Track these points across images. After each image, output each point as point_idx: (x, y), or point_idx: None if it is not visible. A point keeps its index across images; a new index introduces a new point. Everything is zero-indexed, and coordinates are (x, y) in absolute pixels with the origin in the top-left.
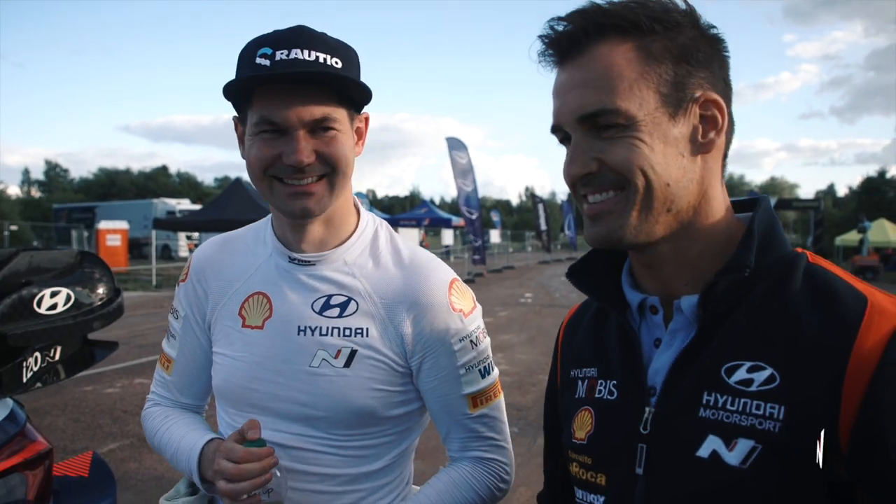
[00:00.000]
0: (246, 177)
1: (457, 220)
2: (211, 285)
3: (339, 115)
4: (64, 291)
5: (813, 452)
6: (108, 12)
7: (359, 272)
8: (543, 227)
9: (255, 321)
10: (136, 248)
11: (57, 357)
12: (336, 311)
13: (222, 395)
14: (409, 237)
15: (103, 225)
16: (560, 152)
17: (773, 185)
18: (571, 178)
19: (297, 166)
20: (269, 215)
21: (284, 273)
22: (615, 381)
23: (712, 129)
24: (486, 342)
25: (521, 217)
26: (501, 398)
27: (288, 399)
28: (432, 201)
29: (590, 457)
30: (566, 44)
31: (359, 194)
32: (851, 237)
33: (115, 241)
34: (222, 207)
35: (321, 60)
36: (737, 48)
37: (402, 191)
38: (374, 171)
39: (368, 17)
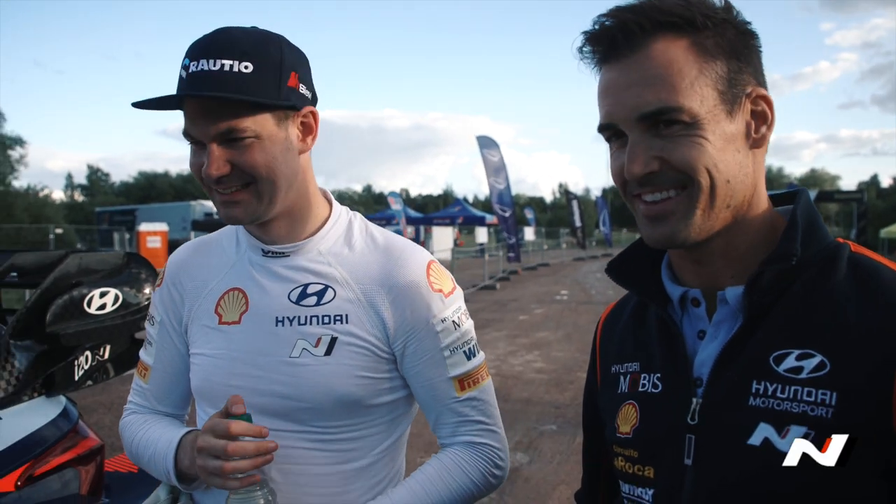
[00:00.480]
0: None
1: (490, 218)
2: (186, 287)
3: (252, 122)
4: (112, 292)
5: (868, 438)
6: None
7: (334, 260)
8: (578, 223)
9: (232, 317)
10: (175, 249)
11: (106, 356)
12: (313, 299)
13: (202, 395)
14: (443, 235)
15: (144, 227)
16: (594, 148)
17: (813, 177)
18: (632, 177)
19: (208, 180)
20: None
21: (259, 267)
22: (659, 375)
23: (763, 124)
24: (469, 324)
25: (555, 214)
26: (490, 381)
27: (269, 392)
28: (466, 199)
29: (636, 450)
30: (620, 40)
31: (392, 193)
32: None
33: (155, 242)
34: None
35: (227, 68)
36: (772, 38)
37: (435, 189)
38: (407, 170)
39: (398, 15)
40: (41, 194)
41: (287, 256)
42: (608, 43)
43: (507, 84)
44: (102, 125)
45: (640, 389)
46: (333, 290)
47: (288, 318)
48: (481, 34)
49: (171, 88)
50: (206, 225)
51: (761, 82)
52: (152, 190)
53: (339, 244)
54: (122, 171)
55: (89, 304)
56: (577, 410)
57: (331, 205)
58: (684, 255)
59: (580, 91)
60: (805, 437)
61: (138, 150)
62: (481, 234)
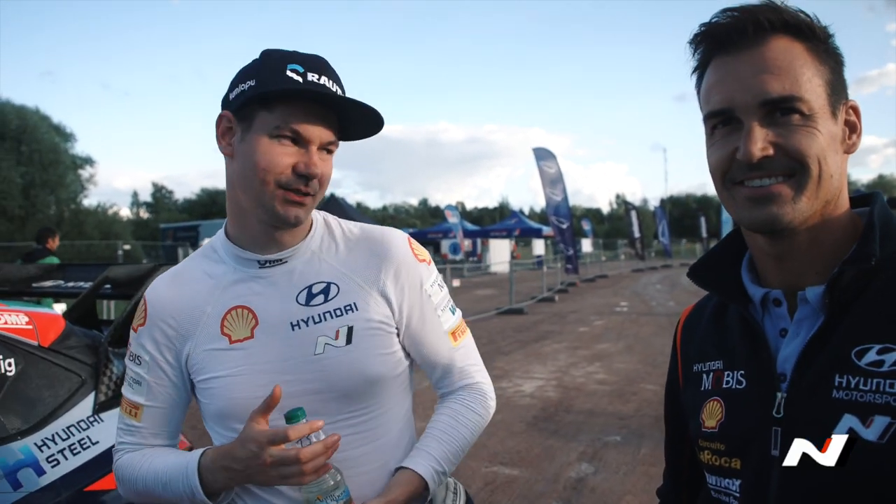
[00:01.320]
0: (341, 192)
1: (547, 230)
2: (178, 320)
3: (337, 143)
4: None
5: None
6: (198, 38)
7: (327, 257)
8: (637, 234)
9: (243, 333)
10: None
11: None
12: (321, 297)
13: (227, 415)
14: (500, 248)
15: (207, 242)
16: (651, 158)
17: (881, 184)
18: (748, 158)
19: (310, 176)
20: (212, 238)
21: (257, 279)
22: (742, 372)
23: (854, 133)
24: (446, 287)
25: (613, 225)
26: (469, 332)
27: (300, 392)
28: (522, 212)
29: (722, 443)
30: (749, 31)
31: (449, 206)
32: None
33: None
34: None
35: (338, 92)
36: (838, 41)
37: (491, 202)
38: (463, 183)
39: (451, 28)
40: (109, 212)
41: (285, 263)
42: (735, 33)
43: (562, 95)
44: (166, 144)
45: (724, 386)
46: (336, 285)
47: (302, 320)
48: (535, 45)
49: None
50: None
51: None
52: (214, 206)
53: (326, 242)
54: (185, 188)
55: None
56: (641, 421)
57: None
58: (768, 252)
59: (637, 101)
60: (889, 426)
61: (200, 167)
62: (538, 247)
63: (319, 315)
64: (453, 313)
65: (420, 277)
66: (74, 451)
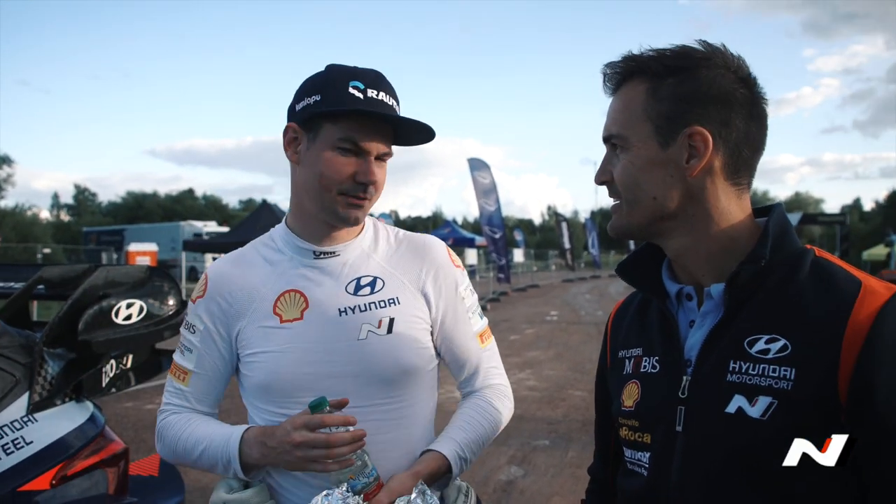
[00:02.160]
0: (272, 198)
1: (480, 240)
2: (235, 296)
3: (392, 153)
4: (138, 303)
5: (819, 405)
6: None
7: (375, 255)
8: (567, 245)
9: (294, 314)
10: (164, 269)
11: (129, 365)
12: (367, 289)
13: (270, 389)
14: None
15: (133, 247)
16: (582, 171)
17: (797, 201)
18: (596, 181)
19: (369, 183)
20: (272, 230)
21: (311, 268)
22: (657, 357)
23: (693, 157)
24: (475, 293)
25: (544, 236)
26: (493, 336)
27: (342, 374)
28: (455, 221)
29: (637, 420)
30: (611, 83)
31: (382, 215)
32: (879, 251)
33: (144, 262)
34: (251, 229)
35: (392, 105)
36: (757, 64)
37: (424, 211)
38: (397, 192)
39: (387, 38)
40: (28, 213)
41: (338, 256)
42: (608, 82)
43: (497, 106)
44: (89, 144)
45: (641, 370)
46: (382, 279)
47: (349, 307)
48: (470, 55)
49: (169, 110)
50: (197, 245)
51: (713, 122)
52: (140, 210)
53: (375, 241)
54: (109, 191)
55: (117, 315)
56: (570, 426)
57: None
58: (667, 253)
59: (569, 114)
60: (769, 406)
61: (126, 169)
62: (471, 256)
63: (365, 304)
64: (481, 318)
65: (455, 281)
66: (7, 451)
